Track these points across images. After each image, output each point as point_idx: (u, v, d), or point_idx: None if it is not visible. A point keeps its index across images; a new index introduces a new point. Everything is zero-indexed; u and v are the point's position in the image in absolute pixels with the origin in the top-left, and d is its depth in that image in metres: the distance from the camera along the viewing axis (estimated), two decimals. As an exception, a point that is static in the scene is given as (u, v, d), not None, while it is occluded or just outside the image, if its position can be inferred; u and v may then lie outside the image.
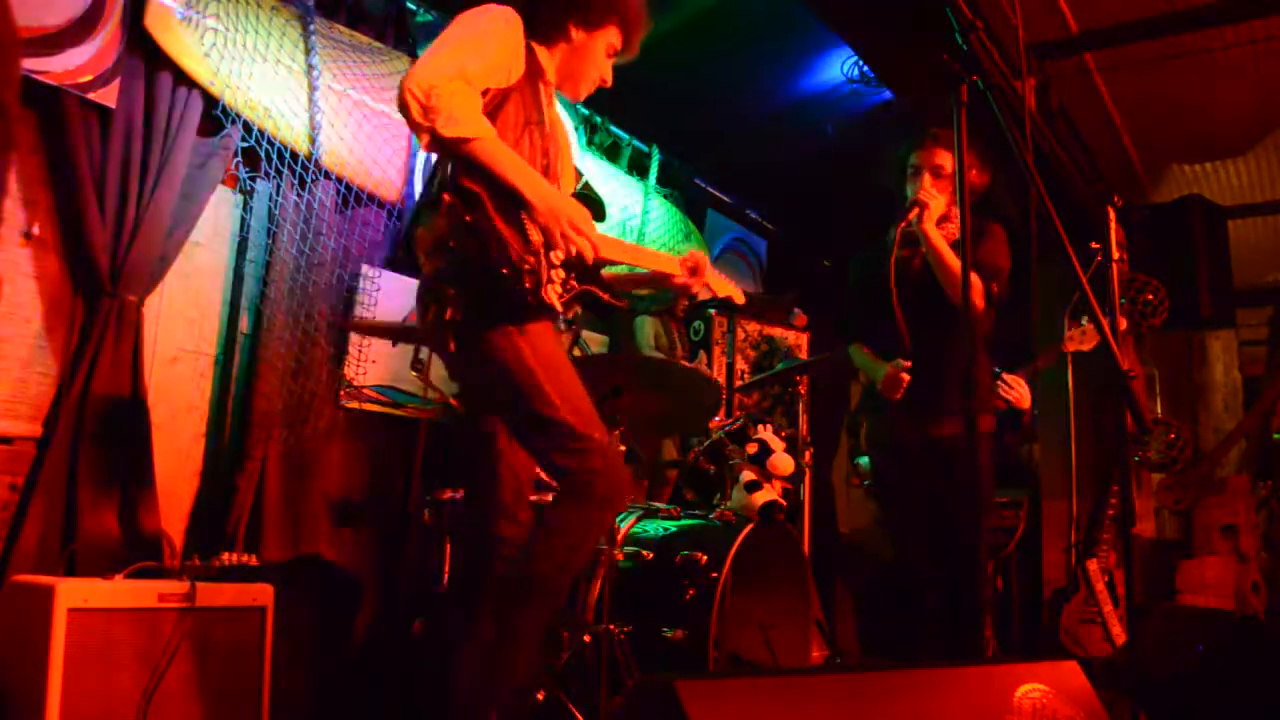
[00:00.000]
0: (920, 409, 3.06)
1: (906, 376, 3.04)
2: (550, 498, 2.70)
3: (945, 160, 3.08)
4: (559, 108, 2.38)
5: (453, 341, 2.00)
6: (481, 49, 2.00)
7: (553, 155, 2.18)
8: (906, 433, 3.13)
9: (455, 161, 1.96)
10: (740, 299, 2.62)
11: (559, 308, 1.99)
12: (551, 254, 1.99)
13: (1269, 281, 7.06)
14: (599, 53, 2.25)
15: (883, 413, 3.19)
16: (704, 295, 2.53)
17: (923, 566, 3.08)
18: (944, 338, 2.96)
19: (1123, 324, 3.74)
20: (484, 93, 2.00)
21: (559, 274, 2.00)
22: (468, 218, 1.91)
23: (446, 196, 1.93)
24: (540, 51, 2.20)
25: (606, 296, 2.13)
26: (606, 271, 2.23)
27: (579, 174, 2.37)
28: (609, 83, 2.29)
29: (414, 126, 1.90)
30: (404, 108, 1.88)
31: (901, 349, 3.04)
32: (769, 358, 4.86)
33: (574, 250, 2.00)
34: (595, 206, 2.26)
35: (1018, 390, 3.33)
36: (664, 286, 2.53)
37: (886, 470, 3.33)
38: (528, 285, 1.93)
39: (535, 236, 1.97)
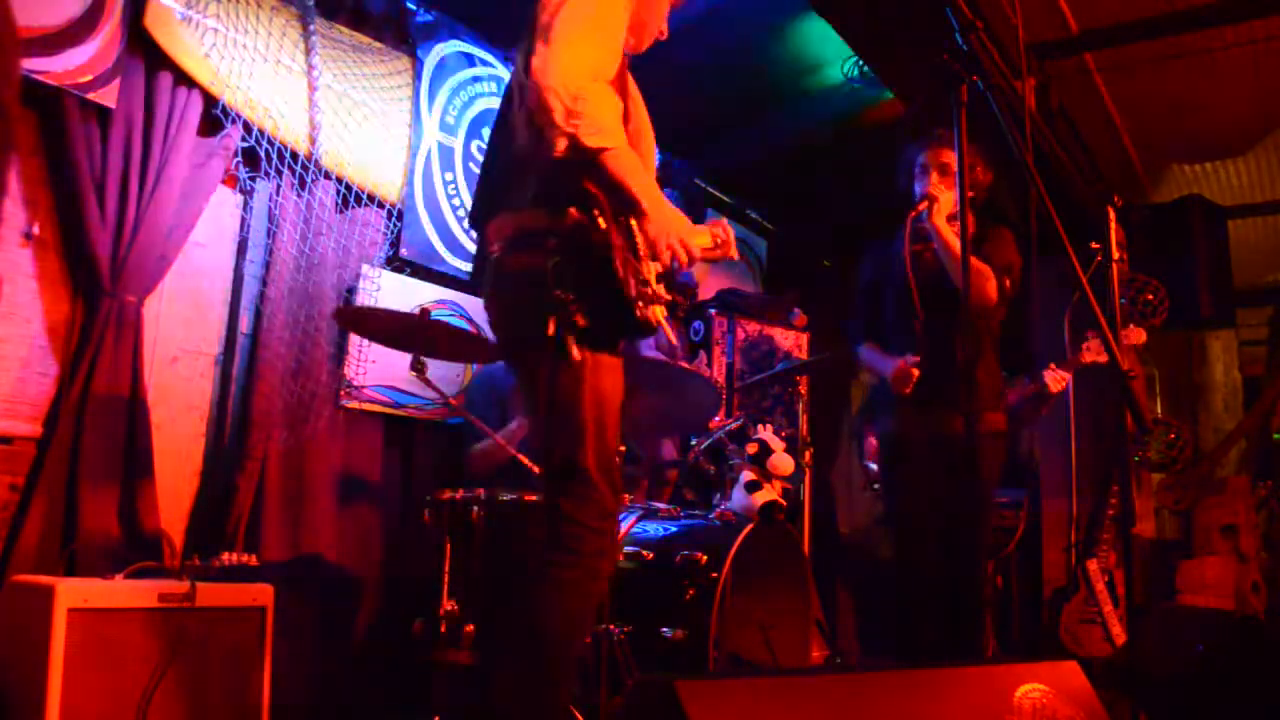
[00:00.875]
0: (930, 404, 3.07)
1: (916, 371, 3.05)
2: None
3: (952, 159, 3.09)
4: None
5: (576, 348, 1.87)
6: (610, 36, 1.91)
7: (635, 136, 2.09)
8: (915, 429, 3.13)
9: (581, 164, 1.86)
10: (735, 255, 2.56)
11: (669, 331, 1.95)
12: (651, 267, 1.93)
13: (1269, 281, 7.07)
14: (665, 2, 2.16)
15: (890, 410, 3.20)
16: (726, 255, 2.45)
17: (926, 565, 3.08)
18: (954, 334, 2.97)
19: (1143, 336, 3.82)
20: None
21: (659, 290, 1.93)
22: (596, 237, 1.84)
23: (574, 211, 1.85)
24: None
25: (683, 299, 2.06)
26: None
27: None
28: (665, 34, 2.20)
29: (551, 127, 1.80)
30: (544, 109, 1.79)
31: (912, 345, 3.07)
32: (769, 358, 4.86)
33: (671, 262, 1.92)
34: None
35: (1061, 381, 3.49)
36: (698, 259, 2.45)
37: (893, 467, 3.34)
38: (641, 305, 1.87)
39: (643, 250, 1.91)
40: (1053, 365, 3.65)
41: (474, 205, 2.11)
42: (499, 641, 1.98)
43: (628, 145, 1.87)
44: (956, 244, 2.98)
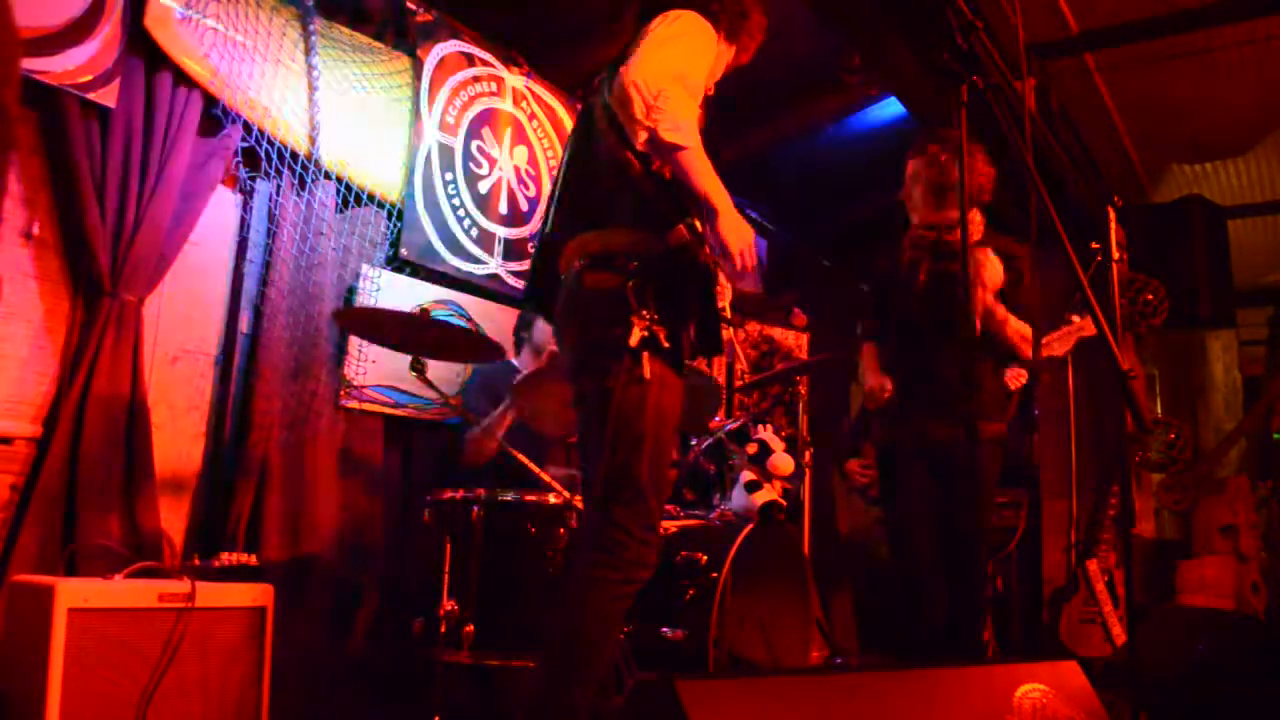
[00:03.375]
0: (918, 414, 3.08)
1: (887, 394, 3.09)
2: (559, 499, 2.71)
3: (951, 168, 3.03)
4: None
5: (650, 365, 1.92)
6: (699, 64, 2.03)
7: None
8: (904, 433, 3.14)
9: (678, 184, 1.95)
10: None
11: (740, 352, 2.00)
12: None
13: (1269, 281, 7.07)
14: (721, 66, 2.26)
15: (883, 415, 3.20)
16: None
17: (922, 566, 3.08)
18: (949, 343, 2.98)
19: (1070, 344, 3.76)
20: None
21: (727, 312, 2.00)
22: (702, 256, 1.91)
23: (683, 229, 1.92)
24: None
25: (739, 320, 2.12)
26: None
27: None
28: (711, 91, 2.29)
29: (630, 121, 1.91)
30: (626, 101, 1.89)
31: (908, 352, 3.07)
32: (769, 358, 4.86)
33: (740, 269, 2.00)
34: None
35: (1018, 379, 3.47)
36: None
37: (887, 470, 3.34)
38: (724, 325, 1.94)
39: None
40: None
41: (551, 226, 2.15)
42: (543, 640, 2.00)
43: (701, 149, 1.94)
44: (1010, 324, 3.02)
